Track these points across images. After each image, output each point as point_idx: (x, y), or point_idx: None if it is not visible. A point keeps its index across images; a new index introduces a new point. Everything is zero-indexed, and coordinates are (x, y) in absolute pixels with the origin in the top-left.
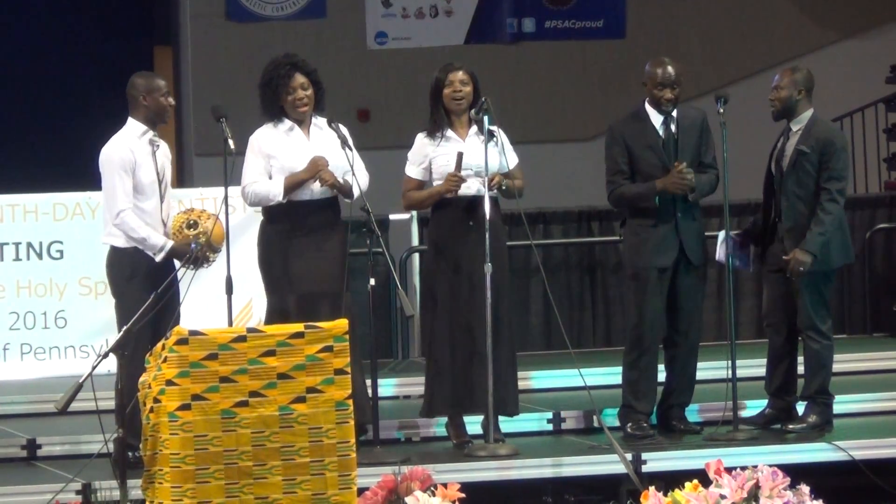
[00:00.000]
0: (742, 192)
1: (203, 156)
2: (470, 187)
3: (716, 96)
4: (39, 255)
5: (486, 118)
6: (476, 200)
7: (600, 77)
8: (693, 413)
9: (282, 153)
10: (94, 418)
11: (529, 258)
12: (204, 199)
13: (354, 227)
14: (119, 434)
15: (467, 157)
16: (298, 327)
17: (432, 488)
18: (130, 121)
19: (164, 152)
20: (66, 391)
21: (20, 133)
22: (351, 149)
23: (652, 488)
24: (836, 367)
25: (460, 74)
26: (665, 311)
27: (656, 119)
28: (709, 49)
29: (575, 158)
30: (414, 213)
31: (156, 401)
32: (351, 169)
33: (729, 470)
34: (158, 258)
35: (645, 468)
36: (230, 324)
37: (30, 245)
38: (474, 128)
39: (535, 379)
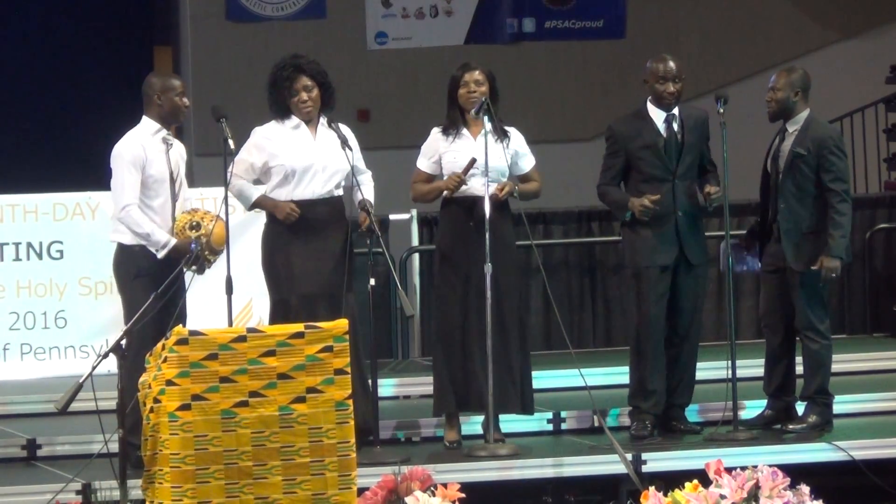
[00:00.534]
0: (742, 192)
1: (203, 156)
2: (478, 187)
3: (716, 96)
4: (39, 255)
5: (486, 118)
6: (479, 201)
7: (600, 77)
8: (693, 413)
9: (284, 151)
10: (94, 418)
11: (529, 258)
12: (204, 199)
13: (354, 226)
14: (119, 434)
15: (473, 155)
16: (298, 327)
17: (432, 488)
18: (144, 119)
19: (179, 151)
20: (66, 391)
21: (20, 133)
22: (351, 149)
23: (652, 488)
24: (835, 367)
25: (476, 74)
26: (665, 311)
27: (658, 118)
28: (709, 49)
29: (575, 158)
30: (414, 213)
31: (156, 401)
32: (351, 169)
33: (729, 470)
34: (160, 255)
35: (645, 468)
36: (230, 324)
37: (30, 245)
38: (488, 126)
39: (535, 379)
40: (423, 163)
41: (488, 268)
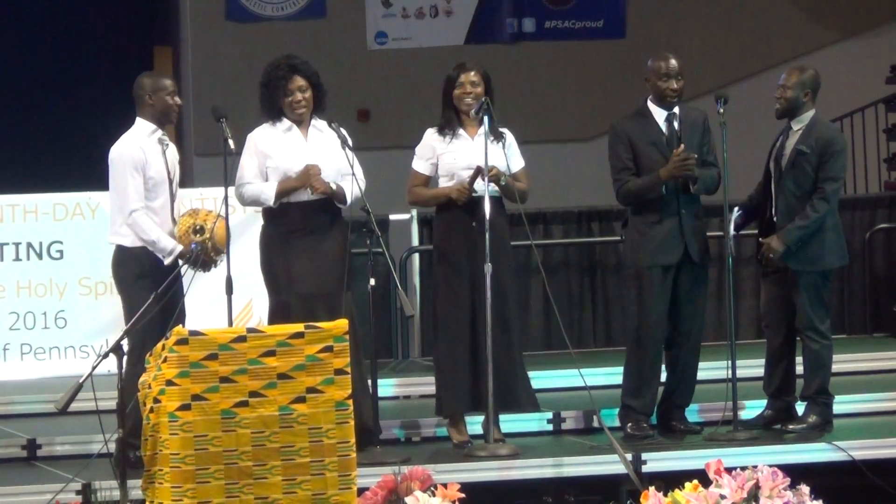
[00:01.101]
0: (742, 192)
1: (203, 156)
2: (477, 188)
3: (716, 96)
4: (39, 255)
5: (486, 118)
6: (479, 201)
7: (600, 77)
8: (693, 413)
9: (277, 153)
10: (94, 418)
11: (529, 258)
12: (204, 199)
13: (354, 227)
14: (119, 434)
15: (472, 156)
16: (298, 327)
17: (432, 488)
18: (139, 120)
19: (173, 152)
20: (66, 391)
21: (19, 133)
22: (351, 149)
23: (652, 488)
24: (836, 367)
25: (471, 75)
26: (667, 311)
27: (659, 116)
28: (709, 49)
29: (575, 158)
30: (414, 213)
31: (156, 401)
32: (351, 169)
33: (729, 470)
34: (167, 261)
35: (645, 468)
36: (230, 324)
37: (30, 245)
38: (484, 127)
39: (535, 379)
40: (421, 164)
41: (488, 267)
